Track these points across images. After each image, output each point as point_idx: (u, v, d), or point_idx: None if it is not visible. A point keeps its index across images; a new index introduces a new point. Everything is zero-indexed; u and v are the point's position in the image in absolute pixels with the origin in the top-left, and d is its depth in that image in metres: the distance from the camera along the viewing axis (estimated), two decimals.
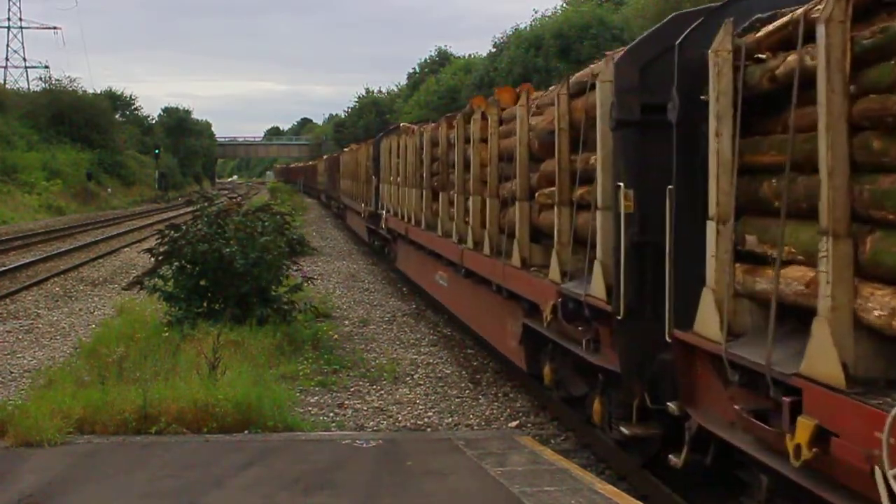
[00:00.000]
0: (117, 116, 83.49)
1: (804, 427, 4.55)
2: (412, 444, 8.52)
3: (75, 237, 35.75)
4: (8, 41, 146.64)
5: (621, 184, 6.86)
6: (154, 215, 52.22)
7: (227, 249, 13.04)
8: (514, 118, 10.40)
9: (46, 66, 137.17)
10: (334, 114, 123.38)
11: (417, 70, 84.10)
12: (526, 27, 54.07)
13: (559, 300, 8.17)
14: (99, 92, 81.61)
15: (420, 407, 10.53)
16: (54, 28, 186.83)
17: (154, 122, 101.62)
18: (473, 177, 12.25)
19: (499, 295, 10.70)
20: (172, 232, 13.68)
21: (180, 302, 13.30)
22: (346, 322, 16.15)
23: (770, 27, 5.37)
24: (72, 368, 10.95)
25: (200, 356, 10.19)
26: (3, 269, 23.09)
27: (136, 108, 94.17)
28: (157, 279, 13.68)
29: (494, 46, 58.68)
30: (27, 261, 25.31)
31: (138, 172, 78.47)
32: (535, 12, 77.91)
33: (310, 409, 10.20)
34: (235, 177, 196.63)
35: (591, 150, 7.79)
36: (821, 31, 4.55)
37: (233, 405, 8.72)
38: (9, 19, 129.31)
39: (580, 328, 7.89)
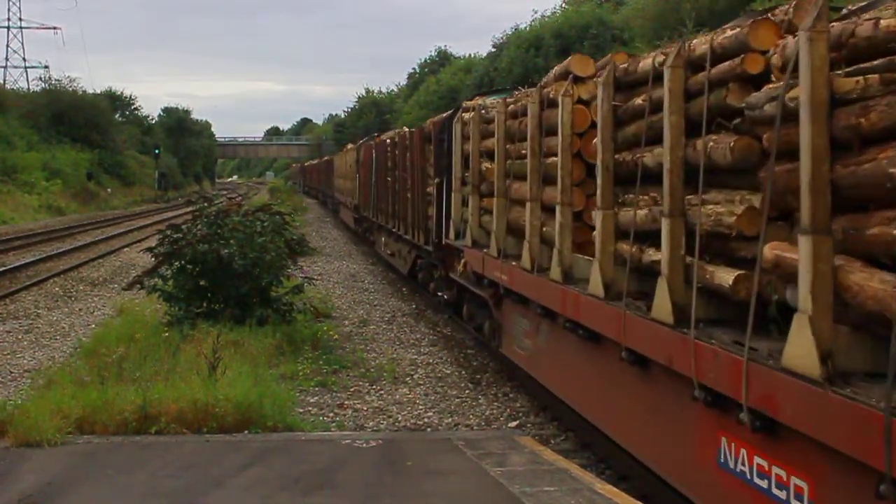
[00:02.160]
0: (117, 116, 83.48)
1: None
2: (412, 444, 8.51)
3: (75, 237, 35.74)
4: (8, 41, 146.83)
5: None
6: (154, 215, 52.23)
7: (227, 250, 13.05)
8: None
9: (46, 66, 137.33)
10: (334, 114, 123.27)
11: (417, 70, 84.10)
12: (526, 27, 54.09)
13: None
14: (99, 92, 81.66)
15: (420, 407, 10.53)
16: (54, 28, 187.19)
17: (154, 122, 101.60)
18: None
19: None
20: (172, 232, 13.69)
21: (180, 302, 13.30)
22: (346, 322, 16.15)
23: None
24: (72, 368, 10.95)
25: (200, 356, 10.18)
26: (3, 269, 23.08)
27: (135, 108, 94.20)
28: (156, 279, 13.68)
29: (494, 46, 58.67)
30: (27, 261, 25.30)
31: (138, 172, 78.45)
32: (535, 12, 77.82)
33: (309, 409, 10.20)
34: (235, 177, 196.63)
35: None
36: None
37: (233, 405, 8.71)
38: (8, 19, 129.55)
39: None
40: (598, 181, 7.48)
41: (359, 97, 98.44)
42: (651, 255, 6.55)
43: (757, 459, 5.13)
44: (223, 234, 13.46)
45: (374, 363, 12.70)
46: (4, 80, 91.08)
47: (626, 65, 7.36)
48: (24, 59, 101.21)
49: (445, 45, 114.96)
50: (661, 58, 6.57)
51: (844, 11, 4.98)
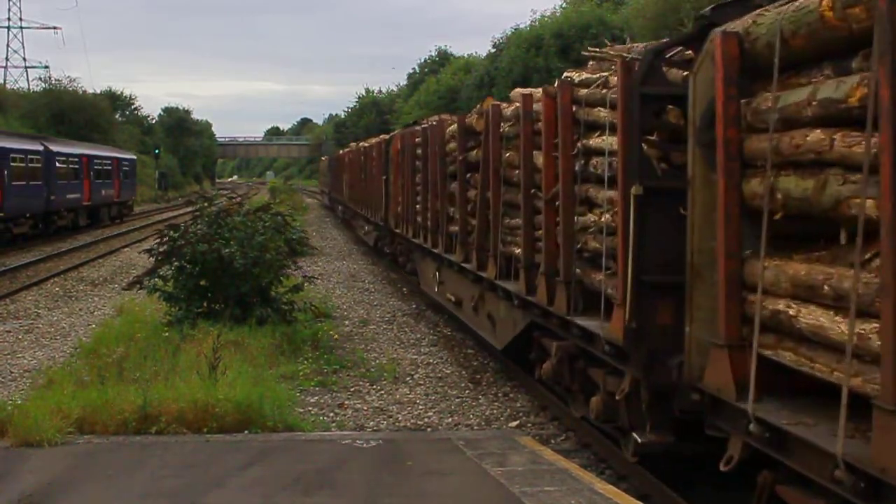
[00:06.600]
0: (117, 116, 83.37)
1: None
2: (412, 444, 8.51)
3: (75, 237, 35.76)
4: (8, 41, 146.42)
5: None
6: (154, 215, 52.24)
7: (227, 249, 13.04)
8: None
9: (46, 66, 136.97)
10: (334, 114, 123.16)
11: (417, 70, 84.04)
12: (525, 27, 54.07)
13: None
14: (99, 92, 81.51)
15: (420, 407, 10.53)
16: (54, 28, 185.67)
17: (154, 121, 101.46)
18: None
19: None
20: (172, 232, 13.68)
21: (180, 302, 13.30)
22: (347, 322, 16.15)
23: None
24: (72, 368, 10.96)
25: (200, 356, 10.18)
26: (3, 269, 23.10)
27: (136, 108, 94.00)
28: (156, 279, 13.68)
29: (494, 46, 58.65)
30: (27, 261, 25.32)
31: (138, 172, 78.32)
32: (534, 13, 77.61)
33: (310, 409, 10.20)
34: (235, 177, 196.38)
35: None
36: None
37: (233, 405, 8.72)
38: (9, 19, 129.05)
39: None
40: None
41: (359, 97, 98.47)
42: None
43: None
44: (223, 233, 13.46)
45: (374, 363, 12.70)
46: (4, 80, 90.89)
47: None
48: (24, 59, 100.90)
49: (445, 45, 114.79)
50: None
51: None
